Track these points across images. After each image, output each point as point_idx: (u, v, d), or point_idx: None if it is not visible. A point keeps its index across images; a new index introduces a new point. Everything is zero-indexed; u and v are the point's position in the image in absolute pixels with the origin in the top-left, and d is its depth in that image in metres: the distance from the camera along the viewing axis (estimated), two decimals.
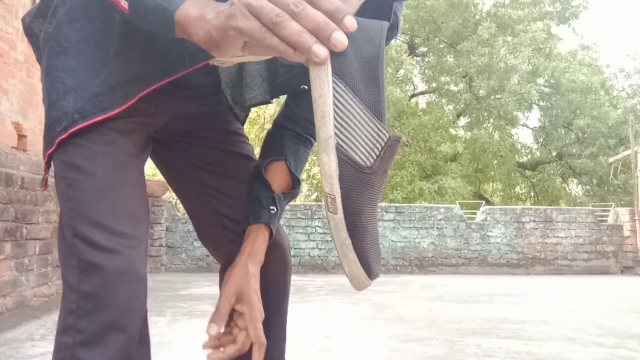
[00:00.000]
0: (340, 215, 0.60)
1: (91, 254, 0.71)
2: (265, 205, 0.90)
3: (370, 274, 0.63)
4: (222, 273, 0.97)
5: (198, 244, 7.67)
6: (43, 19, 0.82)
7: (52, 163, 0.78)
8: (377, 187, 0.63)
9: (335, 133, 0.58)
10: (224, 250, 0.96)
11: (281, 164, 0.95)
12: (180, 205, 7.19)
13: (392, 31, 0.95)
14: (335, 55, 0.56)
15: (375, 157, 0.60)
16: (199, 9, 0.58)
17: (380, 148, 0.61)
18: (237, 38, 0.55)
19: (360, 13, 0.86)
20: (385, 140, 0.61)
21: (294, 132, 0.99)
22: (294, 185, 0.96)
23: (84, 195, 0.73)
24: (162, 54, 0.76)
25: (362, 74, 0.59)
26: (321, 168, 0.59)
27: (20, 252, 3.25)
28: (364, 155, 0.59)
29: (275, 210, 0.90)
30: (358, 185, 0.60)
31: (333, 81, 0.57)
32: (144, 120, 0.82)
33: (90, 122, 0.74)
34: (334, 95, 0.57)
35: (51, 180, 0.79)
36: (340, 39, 0.54)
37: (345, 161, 0.58)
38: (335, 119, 0.57)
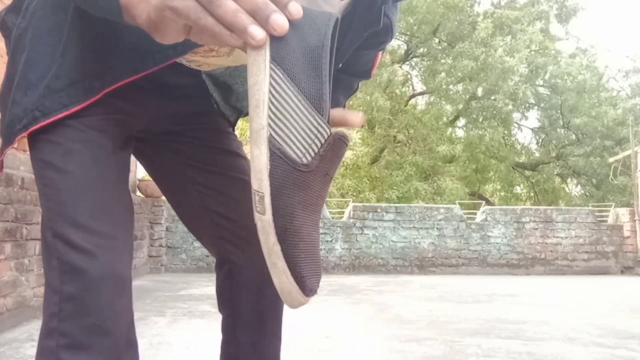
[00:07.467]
0: (268, 216, 0.53)
1: (71, 255, 0.69)
2: None
3: (304, 288, 0.56)
4: (218, 269, 0.98)
5: (198, 244, 7.67)
6: (16, 14, 0.79)
7: (6, 162, 0.77)
8: (316, 190, 0.56)
9: (269, 124, 0.52)
10: (217, 247, 0.96)
11: None
12: None
13: (386, 34, 0.93)
14: (275, 40, 0.52)
15: (313, 154, 0.54)
16: None
17: (319, 145, 0.55)
18: (174, 19, 0.53)
19: (348, 17, 0.82)
20: (326, 136, 0.55)
21: None
22: None
23: (61, 194, 0.71)
24: (131, 50, 0.74)
25: (305, 63, 0.53)
26: (251, 162, 0.54)
27: (20, 253, 3.24)
28: (300, 151, 0.54)
29: None
30: (291, 184, 0.53)
31: (271, 68, 0.51)
32: (121, 117, 0.80)
33: (52, 119, 0.71)
34: (270, 83, 0.52)
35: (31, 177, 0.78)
36: (279, 22, 0.50)
37: (277, 155, 0.52)
38: (270, 108, 0.52)
